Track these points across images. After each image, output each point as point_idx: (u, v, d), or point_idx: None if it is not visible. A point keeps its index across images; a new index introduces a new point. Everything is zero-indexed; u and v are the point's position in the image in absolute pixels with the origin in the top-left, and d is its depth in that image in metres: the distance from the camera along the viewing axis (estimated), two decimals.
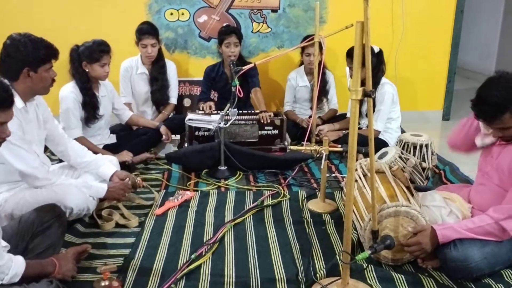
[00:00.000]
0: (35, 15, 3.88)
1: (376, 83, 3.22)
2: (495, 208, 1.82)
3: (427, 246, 1.84)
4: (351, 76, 1.68)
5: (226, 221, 2.36)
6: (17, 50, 2.02)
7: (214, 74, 3.75)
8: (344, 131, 3.50)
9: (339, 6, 4.10)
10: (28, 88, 2.09)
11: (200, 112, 3.45)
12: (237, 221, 2.37)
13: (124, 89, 3.59)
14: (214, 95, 3.85)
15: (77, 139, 2.68)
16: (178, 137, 3.53)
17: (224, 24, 3.85)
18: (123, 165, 2.86)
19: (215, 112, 3.36)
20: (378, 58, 3.22)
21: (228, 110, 2.92)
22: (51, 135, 2.37)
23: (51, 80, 2.15)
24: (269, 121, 3.34)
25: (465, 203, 2.05)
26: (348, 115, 3.68)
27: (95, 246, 2.10)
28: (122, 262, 1.99)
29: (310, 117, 3.71)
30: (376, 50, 3.21)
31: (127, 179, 2.49)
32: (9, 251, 1.65)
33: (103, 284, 1.76)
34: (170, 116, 3.71)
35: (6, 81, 1.70)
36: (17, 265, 1.61)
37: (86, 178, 2.48)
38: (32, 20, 3.85)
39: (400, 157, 2.81)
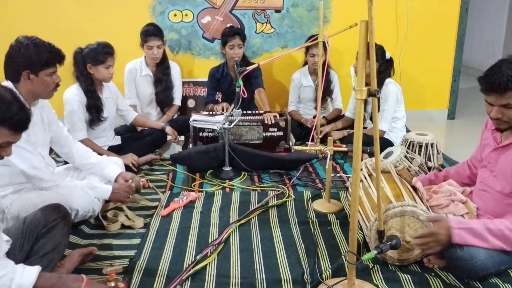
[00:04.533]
0: (40, 18, 3.90)
1: (380, 83, 3.22)
2: None
3: (443, 237, 1.75)
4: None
5: (231, 222, 2.36)
6: (18, 52, 2.02)
7: (219, 75, 3.75)
8: (348, 131, 3.49)
9: (343, 5, 4.09)
10: (30, 91, 2.07)
11: (204, 113, 3.44)
12: (242, 221, 2.36)
13: (129, 91, 3.61)
14: (218, 96, 3.85)
15: (82, 141, 2.69)
16: (182, 138, 3.54)
17: (228, 25, 3.85)
18: (128, 167, 2.87)
19: (219, 113, 3.36)
20: (387, 64, 3.28)
21: (232, 110, 2.92)
22: (56, 137, 2.38)
23: (55, 85, 2.12)
24: (273, 121, 3.33)
25: (471, 203, 2.05)
26: (346, 115, 3.68)
27: (101, 247, 2.11)
28: (128, 263, 1.99)
29: (314, 117, 3.71)
30: (388, 56, 3.28)
31: (131, 180, 2.50)
32: (11, 253, 1.65)
33: (109, 285, 1.76)
34: (174, 117, 3.72)
35: (25, 103, 1.58)
36: (23, 277, 1.48)
37: (91, 179, 2.49)
38: (37, 23, 3.88)
39: (405, 156, 2.80)
